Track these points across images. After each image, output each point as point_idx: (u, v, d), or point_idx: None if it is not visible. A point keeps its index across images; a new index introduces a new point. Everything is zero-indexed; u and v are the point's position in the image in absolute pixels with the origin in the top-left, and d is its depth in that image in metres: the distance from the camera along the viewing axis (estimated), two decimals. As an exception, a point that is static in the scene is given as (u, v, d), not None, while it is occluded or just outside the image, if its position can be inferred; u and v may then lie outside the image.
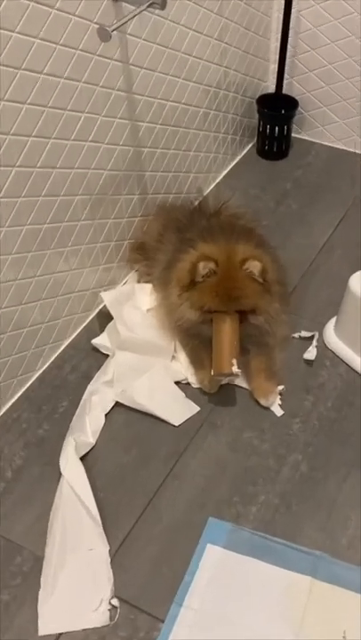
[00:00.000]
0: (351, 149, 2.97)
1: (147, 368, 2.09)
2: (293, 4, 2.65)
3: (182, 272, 2.01)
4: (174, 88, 2.32)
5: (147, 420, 2.02)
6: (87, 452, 1.93)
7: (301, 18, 2.75)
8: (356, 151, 2.96)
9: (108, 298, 2.18)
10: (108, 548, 1.74)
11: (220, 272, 1.96)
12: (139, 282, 2.33)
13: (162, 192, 2.46)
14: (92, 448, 1.95)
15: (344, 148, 2.98)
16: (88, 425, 1.97)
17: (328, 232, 2.60)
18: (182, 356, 2.15)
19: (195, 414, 2.04)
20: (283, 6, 2.65)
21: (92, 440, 1.96)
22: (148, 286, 2.29)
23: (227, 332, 1.97)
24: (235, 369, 1.94)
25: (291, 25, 2.70)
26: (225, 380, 2.08)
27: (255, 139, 2.98)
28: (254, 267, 1.96)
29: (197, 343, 2.10)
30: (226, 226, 2.17)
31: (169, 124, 2.36)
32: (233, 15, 2.50)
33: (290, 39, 2.76)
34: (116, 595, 1.67)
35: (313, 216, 2.67)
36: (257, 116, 2.91)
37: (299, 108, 2.93)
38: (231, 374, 1.95)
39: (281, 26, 2.70)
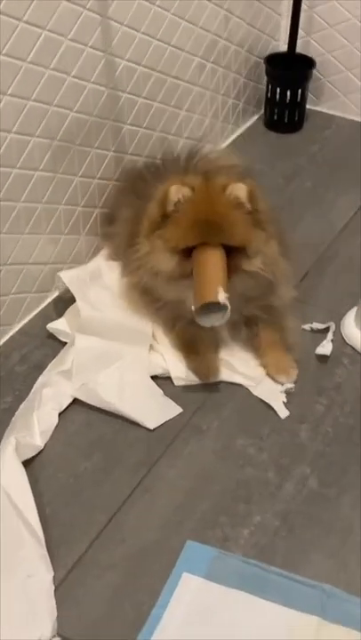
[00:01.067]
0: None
1: (116, 358, 1.95)
2: None
3: (150, 211, 1.91)
4: (162, 23, 2.23)
5: (113, 421, 1.87)
6: (33, 457, 1.78)
7: None
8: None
9: (67, 276, 2.06)
10: (52, 575, 1.57)
11: (196, 198, 1.85)
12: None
13: (144, 154, 2.35)
14: (39, 452, 1.80)
15: (369, 121, 2.89)
16: (36, 423, 1.81)
17: (348, 214, 2.50)
18: (163, 346, 2.00)
19: (175, 417, 1.89)
20: None
21: (39, 442, 1.80)
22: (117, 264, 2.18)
23: (209, 260, 1.84)
24: (222, 297, 1.78)
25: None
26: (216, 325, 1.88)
27: (263, 108, 2.89)
28: (239, 189, 1.85)
29: (185, 324, 1.97)
30: (202, 167, 2.09)
31: (154, 69, 2.26)
32: None
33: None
34: (59, 633, 1.49)
35: (331, 196, 2.57)
36: (265, 79, 2.83)
37: (315, 71, 2.85)
38: (217, 303, 1.79)
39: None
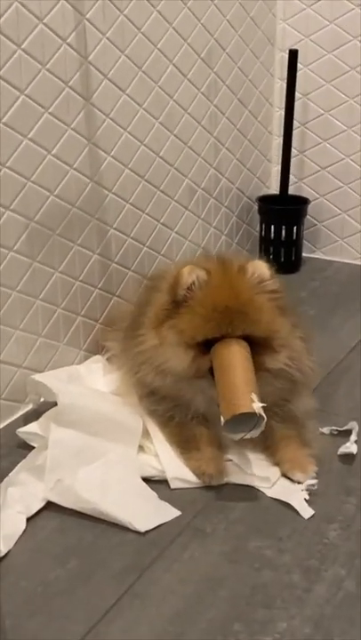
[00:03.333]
0: (382, 266, 2.71)
1: (99, 454, 1.63)
2: (298, 85, 2.56)
3: (159, 298, 1.66)
4: (149, 128, 2.11)
5: (93, 525, 1.51)
6: (-7, 563, 1.39)
7: (309, 103, 2.66)
8: (389, 267, 2.70)
9: (41, 377, 1.77)
10: None
11: (214, 281, 1.59)
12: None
13: (131, 267, 2.14)
14: (0, 559, 1.41)
15: (372, 264, 2.73)
16: (-2, 524, 1.44)
17: (359, 335, 2.25)
18: (157, 442, 1.67)
19: (172, 519, 1.52)
20: (285, 90, 2.55)
21: (1, 547, 1.42)
22: (98, 367, 1.90)
23: (235, 358, 1.55)
24: (257, 406, 1.49)
25: (295, 115, 2.58)
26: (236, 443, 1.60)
27: (258, 250, 2.73)
28: (261, 267, 1.60)
29: (184, 417, 1.65)
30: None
31: (141, 175, 2.11)
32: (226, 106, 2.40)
33: (294, 131, 2.63)
34: None
35: (337, 321, 2.35)
36: (258, 218, 2.70)
37: (310, 217, 2.72)
38: (253, 414, 1.49)
39: (283, 115, 2.58)
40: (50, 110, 1.78)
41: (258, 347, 1.61)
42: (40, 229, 1.81)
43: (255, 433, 1.56)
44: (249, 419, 1.53)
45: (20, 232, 1.76)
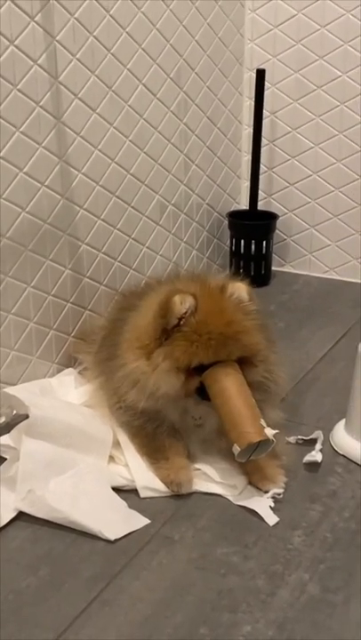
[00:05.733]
0: (350, 279, 2.75)
1: (70, 465, 1.65)
2: (265, 104, 2.61)
3: (142, 326, 1.67)
4: (119, 145, 2.15)
5: (64, 534, 1.53)
6: None
7: (277, 121, 2.71)
8: (357, 280, 2.74)
9: (13, 390, 1.79)
10: None
11: (202, 307, 1.61)
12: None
13: (103, 282, 2.17)
14: (-29, 568, 1.43)
15: (340, 278, 2.77)
16: (-31, 534, 1.46)
17: (327, 346, 2.31)
18: (128, 453, 1.69)
19: (141, 528, 1.54)
20: (252, 109, 2.60)
21: (-26, 557, 1.44)
22: (70, 379, 1.92)
23: (236, 387, 1.60)
24: (270, 432, 1.57)
25: (263, 132, 2.63)
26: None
27: (228, 265, 2.77)
28: (240, 289, 1.64)
29: (155, 428, 1.68)
30: (186, 276, 1.87)
31: (112, 192, 2.14)
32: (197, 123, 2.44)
33: (263, 148, 2.67)
34: None
35: (305, 333, 2.39)
36: (229, 234, 2.74)
37: (279, 233, 2.77)
38: (267, 441, 1.56)
39: (252, 133, 2.62)
40: (21, 129, 1.81)
41: (239, 362, 1.65)
42: (12, 245, 1.83)
43: (262, 454, 1.61)
44: (260, 444, 1.58)
45: (-9, 248, 1.78)
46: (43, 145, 1.87)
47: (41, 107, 1.85)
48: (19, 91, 1.78)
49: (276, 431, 1.59)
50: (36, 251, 1.91)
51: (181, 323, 1.61)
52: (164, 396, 1.62)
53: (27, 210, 1.86)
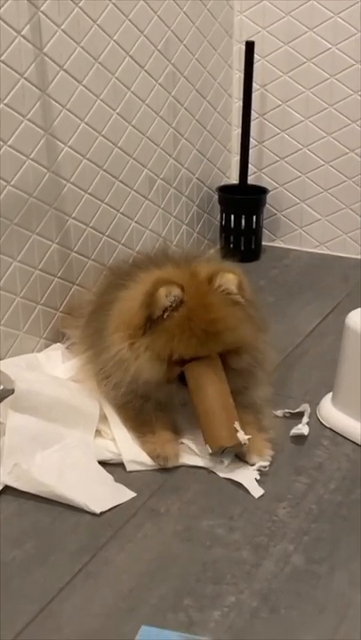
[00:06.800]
0: (340, 254, 2.74)
1: (56, 440, 1.65)
2: (255, 76, 2.59)
3: (130, 311, 1.65)
4: (106, 118, 2.13)
5: (50, 508, 1.53)
6: None
7: (267, 94, 2.69)
8: (347, 255, 2.73)
9: (0, 365, 1.79)
10: None
11: (187, 300, 1.60)
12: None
13: (91, 257, 2.16)
14: None
15: (330, 252, 2.76)
16: None
17: (316, 320, 2.30)
18: (114, 426, 1.69)
19: (127, 501, 1.54)
20: (242, 82, 2.57)
21: None
22: (57, 354, 1.92)
23: (215, 386, 1.61)
24: (242, 437, 1.58)
25: (253, 105, 2.61)
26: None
27: (218, 239, 2.76)
28: (228, 281, 1.63)
29: (142, 403, 1.68)
30: (175, 256, 1.86)
31: (99, 165, 2.13)
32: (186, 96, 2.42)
33: (253, 122, 2.66)
34: None
35: (294, 308, 2.39)
36: (219, 208, 2.72)
37: (270, 207, 2.76)
38: (238, 445, 1.59)
39: (242, 106, 2.60)
40: (5, 102, 1.79)
41: (223, 352, 1.65)
42: (-3, 219, 1.83)
43: (234, 451, 1.64)
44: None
45: (-24, 222, 1.77)
46: (27, 117, 1.86)
47: (25, 78, 1.83)
48: (2, 62, 1.76)
49: (249, 437, 1.59)
50: (22, 225, 1.90)
51: (165, 315, 1.60)
52: (145, 382, 1.63)
53: (12, 183, 1.85)
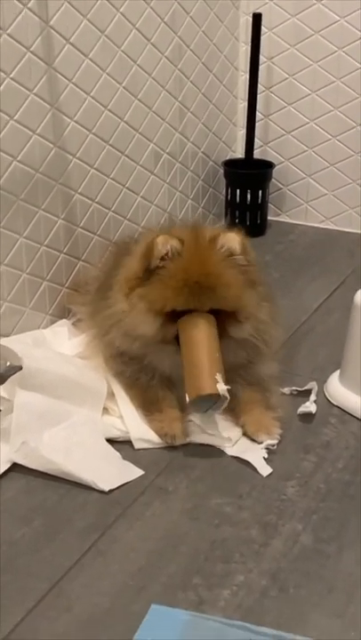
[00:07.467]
0: (346, 229, 2.73)
1: (64, 417, 1.65)
2: (262, 49, 2.56)
3: (131, 264, 1.66)
4: (112, 92, 2.11)
5: (58, 485, 1.53)
6: None
7: (274, 67, 2.65)
8: (353, 230, 2.71)
9: (5, 341, 1.78)
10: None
11: (186, 254, 1.60)
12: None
13: (97, 232, 2.14)
14: (-35, 519, 1.43)
15: (336, 228, 2.74)
16: None
17: (322, 297, 2.29)
18: (122, 403, 1.69)
19: (135, 479, 1.55)
20: (249, 55, 2.54)
21: (-32, 508, 1.44)
22: (64, 331, 1.91)
23: (202, 337, 1.59)
24: (221, 387, 1.54)
25: (259, 79, 2.58)
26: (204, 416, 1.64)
27: (224, 214, 2.74)
28: (231, 240, 1.61)
29: (149, 380, 1.68)
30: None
31: (105, 140, 2.11)
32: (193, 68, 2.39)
33: (259, 95, 2.63)
34: None
35: (300, 284, 2.38)
36: (224, 182, 2.70)
37: (275, 182, 2.73)
38: (216, 396, 1.55)
39: (248, 79, 2.58)
40: (11, 75, 1.77)
41: (223, 315, 1.64)
42: (4, 195, 1.81)
43: (218, 410, 1.62)
44: (214, 398, 1.58)
45: (-18, 197, 1.76)
46: (34, 92, 1.84)
47: (32, 52, 1.81)
48: (9, 35, 1.74)
49: (228, 387, 1.56)
50: (28, 200, 1.88)
51: (161, 265, 1.59)
52: (140, 337, 1.63)
53: (18, 159, 1.83)
